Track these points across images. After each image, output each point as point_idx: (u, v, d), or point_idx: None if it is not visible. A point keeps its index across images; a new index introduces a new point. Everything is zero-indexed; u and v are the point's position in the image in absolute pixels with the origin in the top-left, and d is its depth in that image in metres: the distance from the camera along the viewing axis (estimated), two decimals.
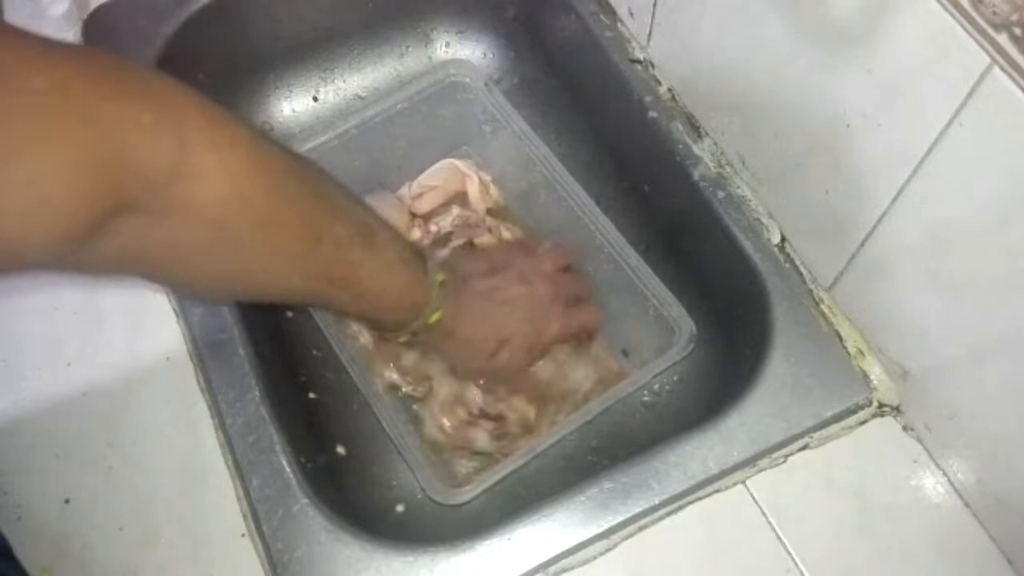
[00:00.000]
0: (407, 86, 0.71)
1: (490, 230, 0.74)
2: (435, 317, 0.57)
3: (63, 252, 0.37)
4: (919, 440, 0.56)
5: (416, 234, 0.74)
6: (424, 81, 0.72)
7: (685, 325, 0.62)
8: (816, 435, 0.56)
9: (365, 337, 0.68)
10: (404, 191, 0.76)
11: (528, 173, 0.70)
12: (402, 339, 0.58)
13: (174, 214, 0.40)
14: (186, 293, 0.59)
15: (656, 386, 0.68)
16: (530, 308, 0.62)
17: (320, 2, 0.77)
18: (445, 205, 0.76)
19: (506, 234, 0.73)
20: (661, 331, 0.64)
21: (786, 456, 0.55)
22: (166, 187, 0.39)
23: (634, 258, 0.65)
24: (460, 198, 0.76)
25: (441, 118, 0.74)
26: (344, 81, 0.81)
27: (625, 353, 0.69)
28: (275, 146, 0.46)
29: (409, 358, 0.67)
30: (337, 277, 0.50)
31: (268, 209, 0.44)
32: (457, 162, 0.76)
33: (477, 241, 0.73)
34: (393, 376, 0.67)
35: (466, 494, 0.58)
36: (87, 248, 0.38)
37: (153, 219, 0.39)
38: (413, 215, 0.75)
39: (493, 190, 0.75)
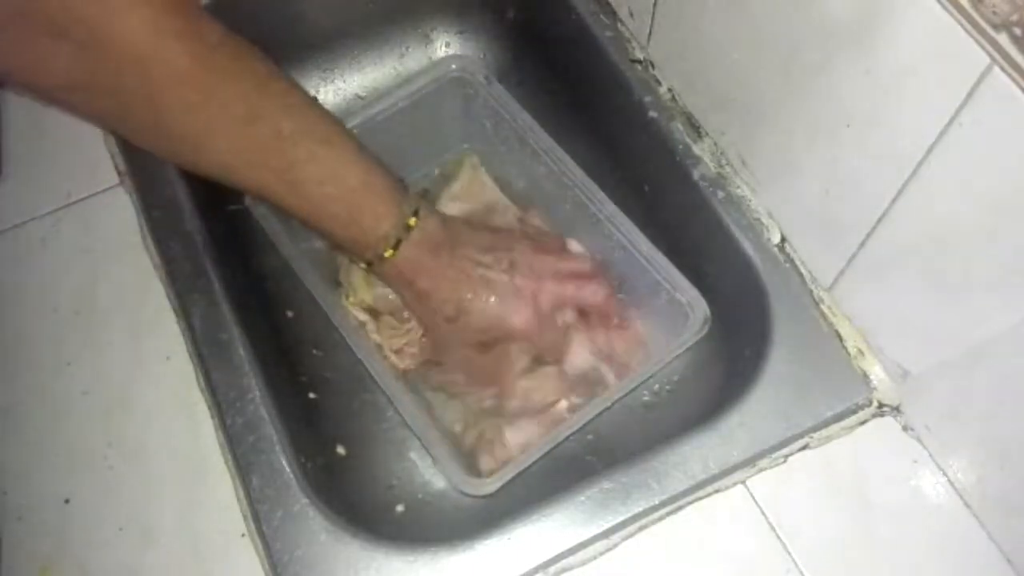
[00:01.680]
0: (406, 84, 0.71)
1: (520, 220, 0.73)
2: (389, 253, 0.57)
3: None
4: (919, 440, 0.56)
5: None
6: (424, 78, 0.71)
7: (699, 307, 0.61)
8: (816, 435, 0.56)
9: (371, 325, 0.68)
10: None
11: (532, 165, 0.70)
12: (362, 264, 0.60)
13: (95, 46, 0.44)
14: (134, 139, 0.59)
15: (656, 386, 0.68)
16: (505, 294, 0.61)
17: (320, 2, 0.77)
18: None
19: (536, 221, 0.73)
20: (675, 315, 0.63)
21: (786, 456, 0.55)
22: (85, 16, 0.43)
23: (645, 245, 0.64)
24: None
25: (442, 115, 0.74)
26: (344, 81, 0.81)
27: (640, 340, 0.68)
28: (220, 26, 0.50)
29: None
30: (276, 167, 0.52)
31: (191, 69, 0.47)
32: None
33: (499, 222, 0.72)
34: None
35: (492, 484, 0.57)
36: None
37: (79, 47, 0.44)
38: None
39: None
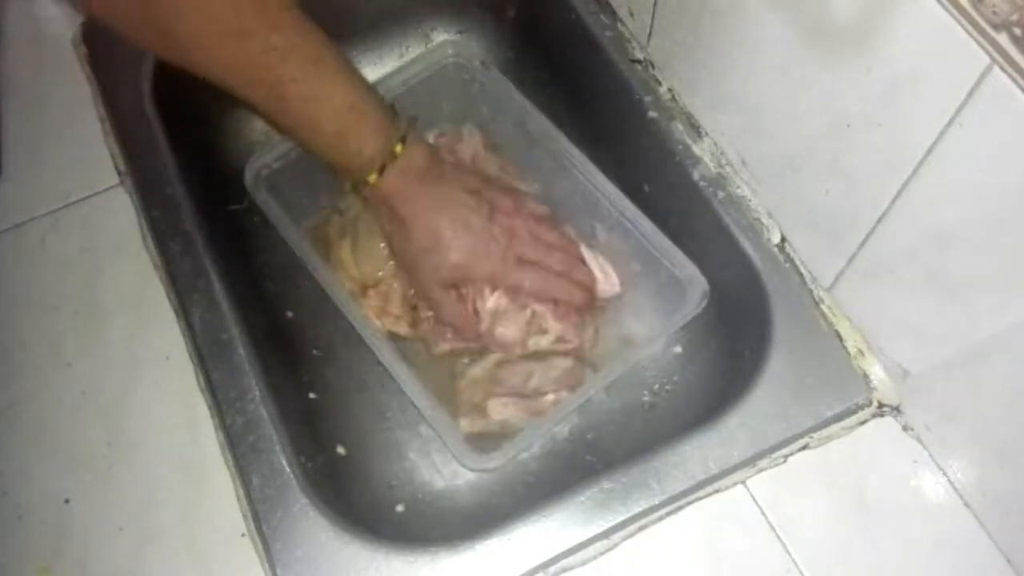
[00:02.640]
0: (404, 70, 0.71)
1: (474, 161, 0.73)
2: (373, 178, 0.58)
3: None
4: (919, 440, 0.56)
5: None
6: (420, 64, 0.71)
7: (697, 282, 0.61)
8: (816, 435, 0.56)
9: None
10: None
11: (530, 148, 0.70)
12: (347, 187, 0.61)
13: None
14: (134, 36, 0.60)
15: (656, 386, 0.68)
16: (480, 238, 0.62)
17: (320, 2, 0.77)
18: None
19: (492, 169, 0.73)
20: (675, 292, 0.63)
21: (786, 456, 0.55)
22: None
23: (645, 224, 0.64)
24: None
25: (439, 100, 0.74)
26: None
27: (639, 317, 0.68)
28: None
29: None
30: (264, 81, 0.54)
31: None
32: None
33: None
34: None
35: (496, 459, 0.57)
36: None
37: None
38: None
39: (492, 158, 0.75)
